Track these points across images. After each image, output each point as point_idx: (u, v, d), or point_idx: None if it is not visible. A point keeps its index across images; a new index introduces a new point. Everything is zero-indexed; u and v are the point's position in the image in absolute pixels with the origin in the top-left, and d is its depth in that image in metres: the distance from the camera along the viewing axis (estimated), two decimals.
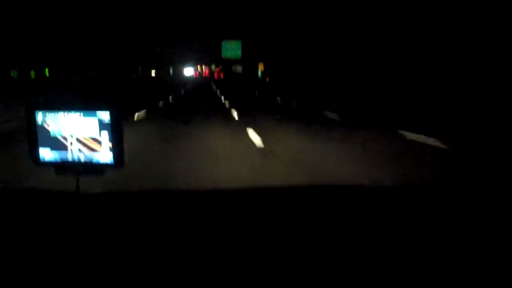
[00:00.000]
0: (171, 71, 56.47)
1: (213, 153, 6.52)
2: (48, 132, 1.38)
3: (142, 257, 1.24)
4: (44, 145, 1.39)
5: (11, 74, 31.44)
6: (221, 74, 54.07)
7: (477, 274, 1.15)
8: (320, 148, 6.96)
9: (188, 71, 57.87)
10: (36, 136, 1.38)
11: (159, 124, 10.11)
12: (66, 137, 1.37)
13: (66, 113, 1.36)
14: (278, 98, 18.98)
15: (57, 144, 1.38)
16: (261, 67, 47.68)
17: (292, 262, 1.20)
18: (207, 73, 58.45)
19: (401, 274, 1.15)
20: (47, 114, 1.37)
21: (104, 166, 1.38)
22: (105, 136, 1.36)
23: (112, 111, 1.35)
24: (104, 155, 1.37)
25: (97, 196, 1.61)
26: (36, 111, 1.38)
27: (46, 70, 35.39)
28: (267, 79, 40.01)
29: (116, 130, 1.34)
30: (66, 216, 1.45)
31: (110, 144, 1.36)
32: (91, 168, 1.39)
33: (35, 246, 1.28)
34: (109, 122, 1.34)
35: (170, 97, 20.15)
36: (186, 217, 1.46)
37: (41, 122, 1.38)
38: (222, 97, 20.72)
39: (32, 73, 33.76)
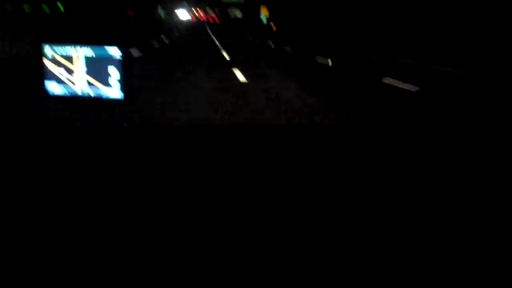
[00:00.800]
0: (160, 12, 52.97)
1: (204, 85, 7.29)
2: (56, 65, 1.36)
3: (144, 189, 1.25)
4: (52, 79, 1.38)
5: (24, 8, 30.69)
6: (216, 18, 51.60)
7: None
8: (293, 85, 7.58)
9: (183, 14, 54.69)
10: (44, 69, 1.39)
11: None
12: (75, 71, 1.34)
13: (75, 47, 1.33)
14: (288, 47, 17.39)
15: (66, 78, 1.36)
16: (264, 12, 43.05)
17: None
18: (204, 17, 55.89)
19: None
20: (56, 47, 1.34)
21: (113, 101, 1.38)
22: (114, 71, 1.34)
23: (123, 47, 1.33)
24: (114, 90, 1.35)
25: (104, 130, 1.57)
26: (44, 44, 1.37)
27: (59, 4, 33.74)
28: (273, 26, 35.95)
29: (126, 66, 1.35)
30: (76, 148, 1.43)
31: (119, 80, 1.35)
32: (100, 104, 1.38)
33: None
34: (119, 58, 1.33)
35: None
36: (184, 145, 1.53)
37: (50, 56, 1.37)
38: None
39: (45, 8, 32.83)
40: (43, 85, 1.41)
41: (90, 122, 1.42)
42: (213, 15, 52.43)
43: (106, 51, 1.35)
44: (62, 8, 33.44)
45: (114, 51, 1.34)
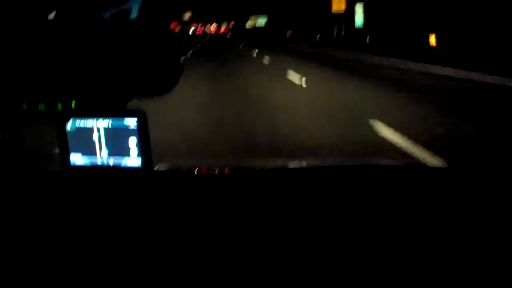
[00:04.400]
0: None
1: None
2: (77, 138, 1.43)
3: None
4: (75, 151, 1.43)
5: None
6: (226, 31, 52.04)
7: None
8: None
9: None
10: (66, 141, 1.44)
11: None
12: (95, 142, 1.40)
13: (95, 119, 1.40)
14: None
15: (87, 150, 1.43)
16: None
17: None
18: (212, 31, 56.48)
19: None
20: (77, 120, 1.42)
21: (132, 170, 1.41)
22: (132, 141, 1.39)
23: (140, 117, 1.38)
24: (132, 159, 1.40)
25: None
26: (65, 120, 1.42)
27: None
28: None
29: (143, 135, 1.41)
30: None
31: (137, 149, 1.38)
32: (119, 172, 1.42)
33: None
34: (136, 128, 1.37)
35: None
36: None
37: (71, 129, 1.44)
38: None
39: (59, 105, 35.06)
40: (65, 156, 1.48)
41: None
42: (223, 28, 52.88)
43: (124, 121, 1.40)
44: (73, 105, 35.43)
45: (131, 121, 1.40)
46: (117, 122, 1.37)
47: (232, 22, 55.73)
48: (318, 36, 31.53)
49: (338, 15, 30.38)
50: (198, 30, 56.33)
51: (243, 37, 43.22)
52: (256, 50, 22.52)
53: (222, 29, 55.15)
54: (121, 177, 1.45)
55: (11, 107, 1.38)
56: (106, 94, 1.39)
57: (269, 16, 54.00)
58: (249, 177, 1.54)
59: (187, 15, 52.48)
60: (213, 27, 56.49)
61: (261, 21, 53.90)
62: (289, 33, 41.94)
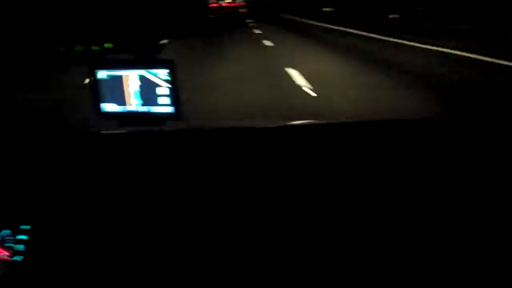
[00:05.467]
0: None
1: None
2: (109, 86, 1.47)
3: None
4: (107, 100, 1.48)
5: None
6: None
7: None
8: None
9: None
10: (98, 91, 1.48)
11: None
12: (126, 91, 1.46)
13: (126, 69, 1.44)
14: None
15: (119, 98, 1.47)
16: None
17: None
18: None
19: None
20: (110, 70, 1.46)
21: (164, 116, 1.47)
22: (163, 89, 1.44)
23: (170, 67, 1.42)
24: (164, 107, 1.46)
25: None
26: (97, 70, 1.47)
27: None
28: None
29: (174, 84, 1.43)
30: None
31: (168, 96, 1.44)
32: (151, 119, 1.48)
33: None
34: (167, 77, 1.43)
35: None
36: None
37: (104, 78, 1.47)
38: None
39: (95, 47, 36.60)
40: (98, 106, 1.54)
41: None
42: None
43: (154, 71, 1.45)
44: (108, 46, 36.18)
45: (163, 72, 1.45)
46: (148, 71, 1.42)
47: None
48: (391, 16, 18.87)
49: None
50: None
51: (259, 12, 35.11)
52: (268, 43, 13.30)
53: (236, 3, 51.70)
54: (152, 123, 1.49)
55: (49, 50, 1.43)
56: (138, 37, 1.43)
57: None
58: (252, 136, 1.56)
59: None
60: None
61: None
62: (328, 9, 29.45)
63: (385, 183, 1.21)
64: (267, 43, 13.23)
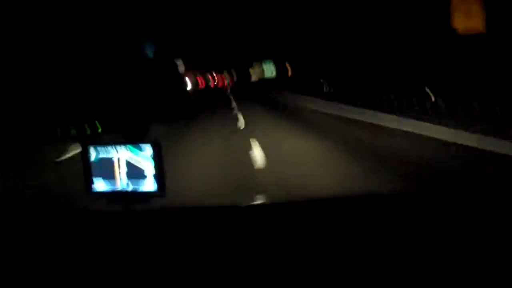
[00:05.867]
0: None
1: None
2: (100, 164, 1.55)
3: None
4: (97, 176, 1.56)
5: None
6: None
7: None
8: None
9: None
10: (89, 168, 1.57)
11: None
12: (115, 168, 1.54)
13: (114, 147, 1.52)
14: None
15: (109, 175, 1.55)
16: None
17: None
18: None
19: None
20: (98, 149, 1.54)
21: (149, 194, 1.54)
22: (149, 167, 1.51)
23: (155, 145, 1.50)
24: (149, 184, 1.53)
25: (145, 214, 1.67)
26: (89, 147, 1.57)
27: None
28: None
29: (158, 161, 1.52)
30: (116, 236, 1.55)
31: (153, 174, 1.52)
32: (137, 197, 1.55)
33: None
34: (152, 157, 1.50)
35: None
36: None
37: (95, 158, 1.56)
38: None
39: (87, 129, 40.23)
40: (89, 182, 1.64)
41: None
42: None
43: (140, 149, 1.56)
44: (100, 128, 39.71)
45: (147, 149, 1.55)
46: (135, 149, 1.54)
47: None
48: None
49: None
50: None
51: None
52: None
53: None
54: (138, 200, 1.59)
55: (47, 133, 1.56)
56: (125, 119, 1.56)
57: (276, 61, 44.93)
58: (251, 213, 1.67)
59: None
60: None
61: (268, 69, 44.11)
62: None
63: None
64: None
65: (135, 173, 1.58)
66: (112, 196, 1.62)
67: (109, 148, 1.54)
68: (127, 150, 1.59)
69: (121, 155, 1.59)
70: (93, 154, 1.61)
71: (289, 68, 27.65)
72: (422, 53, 12.26)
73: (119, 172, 1.60)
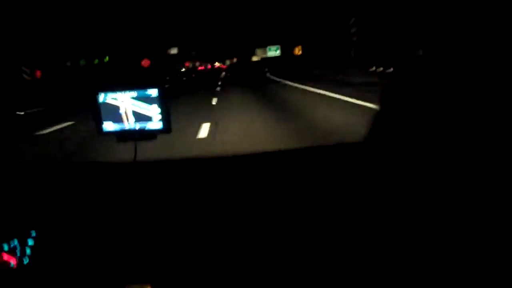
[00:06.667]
0: None
1: None
2: (108, 108, 1.63)
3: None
4: (107, 119, 1.65)
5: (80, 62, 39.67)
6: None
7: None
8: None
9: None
10: (99, 112, 1.64)
11: None
12: (123, 110, 1.62)
13: (122, 92, 1.60)
14: None
15: (117, 117, 1.63)
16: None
17: None
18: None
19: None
20: (108, 94, 1.61)
21: (156, 132, 1.63)
22: (154, 108, 1.60)
23: (160, 88, 1.57)
24: (155, 123, 1.62)
25: (151, 162, 1.85)
26: (99, 92, 1.63)
27: (106, 57, 41.56)
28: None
29: (163, 102, 1.58)
30: (125, 182, 1.69)
31: (159, 114, 1.61)
32: (145, 134, 1.64)
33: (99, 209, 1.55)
34: (157, 96, 1.58)
35: None
36: None
37: (103, 101, 1.63)
38: None
39: (96, 60, 41.15)
40: (99, 124, 1.72)
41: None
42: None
43: (147, 91, 1.63)
44: (107, 58, 41.27)
45: (153, 91, 1.62)
46: (142, 92, 1.61)
47: (234, 59, 50.46)
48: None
49: None
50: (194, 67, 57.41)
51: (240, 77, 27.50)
52: None
53: (212, 66, 52.91)
54: (145, 138, 1.69)
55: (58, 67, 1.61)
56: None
57: (283, 46, 44.80)
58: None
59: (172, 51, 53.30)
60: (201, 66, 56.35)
61: (273, 52, 45.26)
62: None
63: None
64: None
65: (142, 114, 1.65)
66: (121, 134, 1.70)
67: (117, 92, 1.63)
68: (134, 93, 1.65)
69: (128, 98, 1.65)
70: (103, 99, 1.65)
71: None
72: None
73: (127, 114, 1.67)
